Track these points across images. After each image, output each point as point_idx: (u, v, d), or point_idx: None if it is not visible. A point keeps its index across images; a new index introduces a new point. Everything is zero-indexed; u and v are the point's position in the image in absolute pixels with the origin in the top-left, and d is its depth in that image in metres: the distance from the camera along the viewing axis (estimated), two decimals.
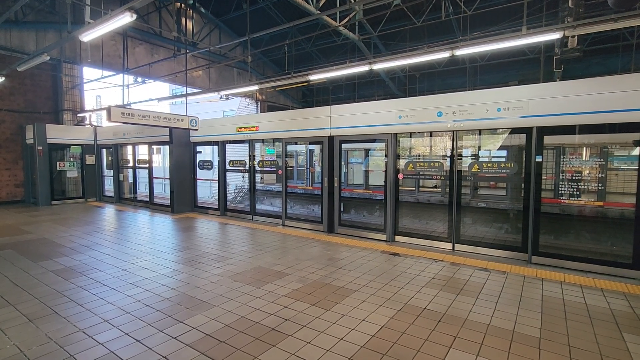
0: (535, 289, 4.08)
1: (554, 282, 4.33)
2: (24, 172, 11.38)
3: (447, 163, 5.81)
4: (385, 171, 6.37)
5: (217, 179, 9.38)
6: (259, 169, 8.73)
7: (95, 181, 12.20)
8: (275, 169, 8.24)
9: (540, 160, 4.95)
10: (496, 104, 5.21)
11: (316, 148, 10.27)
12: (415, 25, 11.44)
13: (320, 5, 10.36)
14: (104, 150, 12.32)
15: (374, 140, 6.90)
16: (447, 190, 5.92)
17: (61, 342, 2.92)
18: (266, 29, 10.01)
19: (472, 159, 5.94)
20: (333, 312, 3.47)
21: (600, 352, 2.80)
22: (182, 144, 9.67)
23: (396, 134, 6.24)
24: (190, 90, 14.36)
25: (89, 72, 13.59)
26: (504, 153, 6.83)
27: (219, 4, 14.58)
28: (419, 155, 7.32)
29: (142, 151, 11.14)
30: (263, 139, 8.48)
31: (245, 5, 12.77)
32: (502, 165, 5.44)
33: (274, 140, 8.31)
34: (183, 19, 14.41)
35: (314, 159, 12.41)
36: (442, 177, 5.93)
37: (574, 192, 4.83)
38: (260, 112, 18.42)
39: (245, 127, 8.54)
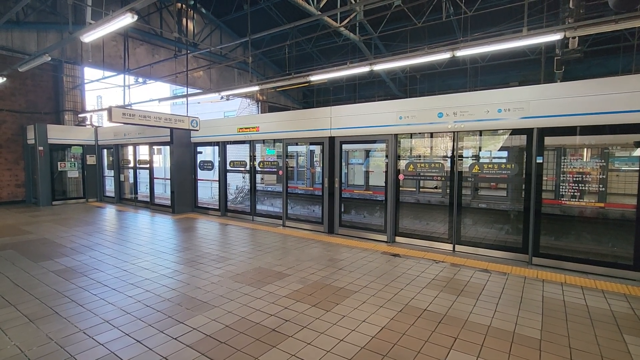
0: (536, 290, 4.08)
1: (554, 283, 4.32)
2: (25, 173, 11.40)
3: (447, 164, 5.80)
4: (386, 172, 6.37)
5: (217, 179, 9.39)
6: (259, 169, 8.74)
7: (96, 181, 12.21)
8: (275, 170, 8.24)
9: (540, 161, 4.95)
10: (497, 105, 5.21)
11: (317, 149, 10.28)
12: (416, 26, 11.44)
13: (321, 6, 10.38)
14: (105, 150, 12.34)
15: (374, 141, 6.90)
16: (448, 191, 5.92)
17: (62, 342, 2.93)
18: (267, 29, 10.02)
19: (472, 159, 5.94)
20: (333, 313, 3.47)
21: (601, 353, 2.79)
22: (182, 145, 9.68)
23: (397, 134, 6.24)
24: (191, 90, 14.38)
25: (90, 73, 13.64)
26: (504, 154, 6.83)
27: (219, 4, 14.59)
28: (420, 156, 7.32)
29: (143, 151, 11.16)
30: (264, 140, 8.49)
31: (246, 6, 12.79)
32: (503, 166, 5.44)
33: (275, 140, 8.31)
34: (184, 20, 14.44)
35: (315, 159, 12.42)
36: (443, 178, 5.93)
37: (575, 193, 4.82)
38: (261, 112, 18.43)
39: (246, 128, 8.55)
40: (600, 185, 4.74)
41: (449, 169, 5.76)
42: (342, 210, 7.19)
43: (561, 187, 4.94)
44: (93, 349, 2.82)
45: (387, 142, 6.32)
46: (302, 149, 12.91)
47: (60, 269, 4.84)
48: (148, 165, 10.75)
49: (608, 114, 4.45)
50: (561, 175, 4.94)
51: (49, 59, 8.08)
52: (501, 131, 5.51)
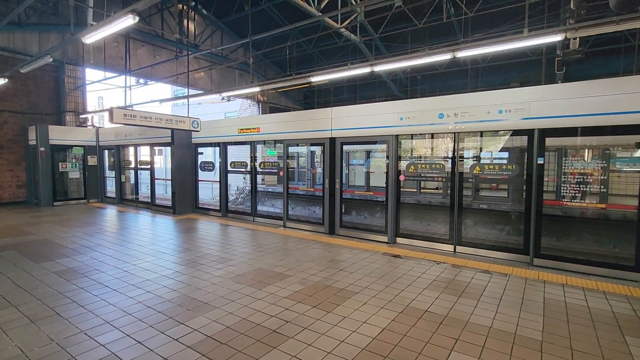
0: (537, 292, 4.07)
1: (556, 284, 4.31)
2: (27, 173, 11.43)
3: (448, 165, 5.80)
4: (387, 173, 6.37)
5: (218, 180, 9.39)
6: (260, 170, 8.74)
7: (97, 182, 12.23)
8: (276, 171, 8.24)
9: (542, 162, 4.95)
10: (498, 106, 5.21)
11: (317, 149, 10.28)
12: (417, 26, 11.44)
13: (322, 7, 10.39)
14: (106, 151, 12.36)
15: (375, 142, 6.90)
16: (449, 192, 5.91)
17: (63, 343, 2.93)
18: (268, 30, 10.03)
19: (473, 160, 5.93)
20: (334, 314, 3.47)
21: (602, 355, 2.79)
22: (183, 145, 9.69)
23: (397, 135, 6.24)
24: (192, 91, 14.40)
25: (91, 74, 13.65)
26: (505, 155, 6.82)
27: (220, 5, 14.62)
28: (421, 157, 7.32)
29: (144, 152, 11.18)
30: (264, 141, 8.50)
31: (247, 7, 12.80)
32: (504, 167, 5.44)
33: (276, 141, 8.32)
34: (185, 21, 14.47)
35: (315, 160, 12.42)
36: (444, 179, 5.93)
37: (576, 194, 4.81)
38: (262, 113, 18.45)
39: (246, 129, 8.56)
40: (602, 186, 4.74)
41: (450, 170, 5.76)
42: (343, 211, 7.19)
43: (562, 188, 4.93)
44: (94, 350, 2.82)
45: (388, 143, 6.32)
46: (302, 149, 12.92)
47: (62, 269, 4.85)
48: (149, 166, 10.76)
49: (609, 115, 4.45)
50: (562, 176, 4.93)
51: (51, 60, 8.10)
52: (502, 132, 5.51)
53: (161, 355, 2.74)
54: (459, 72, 15.84)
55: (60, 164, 11.35)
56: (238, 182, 11.74)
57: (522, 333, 3.11)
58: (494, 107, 5.24)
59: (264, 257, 5.48)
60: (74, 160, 11.76)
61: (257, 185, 8.85)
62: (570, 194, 4.85)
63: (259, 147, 8.97)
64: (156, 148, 10.72)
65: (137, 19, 4.94)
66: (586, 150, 5.33)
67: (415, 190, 10.00)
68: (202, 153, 10.12)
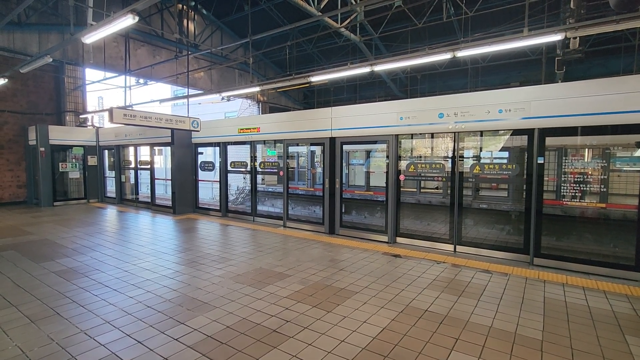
0: (538, 291, 4.07)
1: (556, 284, 4.31)
2: (27, 173, 11.43)
3: (448, 164, 5.80)
4: (387, 172, 6.37)
5: (218, 180, 9.39)
6: (260, 170, 8.74)
7: (97, 182, 12.23)
8: (276, 170, 8.24)
9: (542, 161, 4.94)
10: (497, 106, 5.21)
11: (317, 149, 10.28)
12: (417, 26, 11.44)
13: (322, 6, 10.39)
14: (106, 151, 12.36)
15: (375, 142, 6.90)
16: (449, 191, 5.91)
17: (63, 343, 2.93)
18: (267, 30, 10.03)
19: (473, 160, 5.93)
20: (334, 314, 3.47)
21: (602, 354, 2.79)
22: (183, 145, 9.69)
23: (397, 135, 6.24)
24: (192, 91, 14.41)
25: (91, 74, 13.66)
26: (505, 154, 6.82)
27: (220, 5, 14.62)
28: (421, 157, 7.32)
29: (144, 152, 11.18)
30: (264, 140, 8.50)
31: (247, 7, 12.81)
32: (504, 166, 5.43)
33: (276, 141, 8.32)
34: (185, 21, 14.47)
35: (315, 160, 12.42)
36: (444, 179, 5.93)
37: (576, 194, 4.81)
38: (262, 113, 18.45)
39: (246, 129, 8.56)
40: (602, 186, 4.74)
41: (450, 170, 5.76)
42: (343, 210, 7.19)
43: (562, 187, 4.93)
44: (94, 350, 2.82)
45: (388, 142, 6.31)
46: (302, 149, 12.91)
47: (62, 269, 4.85)
48: (149, 166, 10.76)
49: (609, 114, 4.45)
50: (562, 176, 4.93)
51: (51, 60, 8.11)
52: (502, 132, 5.51)
53: (161, 355, 2.74)
54: (459, 71, 15.84)
55: (60, 164, 11.35)
56: (238, 182, 11.74)
57: (522, 332, 3.11)
58: (494, 107, 5.23)
59: (264, 256, 5.48)
60: (74, 160, 11.76)
61: (257, 185, 8.85)
62: (570, 194, 4.85)
63: (259, 147, 8.97)
64: (156, 148, 10.72)
65: (136, 18, 4.94)
66: (586, 149, 5.33)
67: (415, 190, 9.99)
68: (202, 153, 10.12)
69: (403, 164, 6.32)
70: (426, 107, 5.89)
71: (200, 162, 9.89)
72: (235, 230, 7.57)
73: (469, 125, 5.47)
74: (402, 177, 6.28)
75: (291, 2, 9.89)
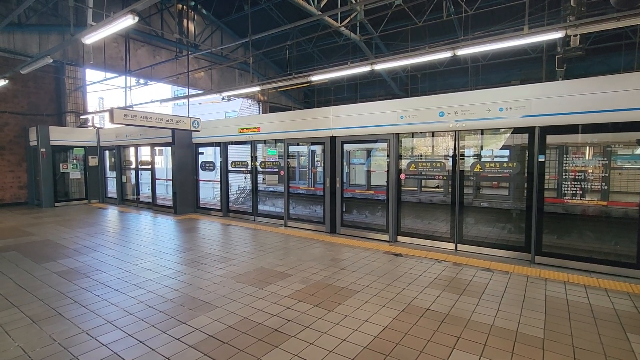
0: (539, 289, 4.07)
1: (557, 282, 4.31)
2: (28, 174, 11.45)
3: (449, 163, 5.79)
4: (388, 171, 6.37)
5: (219, 180, 9.40)
6: (261, 169, 8.74)
7: (98, 183, 12.25)
8: (277, 170, 8.25)
9: (542, 159, 4.94)
10: (498, 104, 5.20)
11: (318, 148, 10.28)
12: (417, 25, 11.42)
13: (322, 6, 10.38)
14: (107, 151, 12.37)
15: (376, 141, 6.89)
16: (450, 190, 5.91)
17: (65, 343, 2.94)
18: (268, 30, 10.03)
19: (474, 158, 5.93)
20: (336, 313, 3.47)
21: (604, 352, 2.78)
22: (184, 145, 9.70)
23: (398, 134, 6.24)
24: (192, 91, 14.40)
25: (91, 74, 13.66)
26: (506, 153, 6.81)
27: (220, 5, 14.61)
28: (421, 156, 7.31)
29: (145, 152, 11.19)
30: (265, 140, 8.50)
31: (247, 7, 12.80)
32: (505, 165, 5.43)
33: (276, 141, 8.32)
34: (185, 21, 14.47)
35: (316, 159, 12.42)
36: (445, 177, 5.92)
37: (577, 192, 4.80)
38: (262, 113, 18.45)
39: (247, 128, 8.56)
40: (603, 184, 4.72)
41: (451, 168, 5.75)
42: (344, 210, 7.19)
43: (563, 185, 4.92)
44: (96, 350, 2.83)
45: (389, 141, 6.31)
46: (303, 149, 12.92)
47: (63, 270, 4.86)
48: (150, 166, 10.77)
49: (610, 112, 4.43)
50: (563, 174, 4.93)
51: (51, 60, 8.12)
52: (503, 130, 5.50)
53: (163, 355, 2.75)
54: (460, 70, 15.82)
55: (61, 164, 11.37)
56: (239, 182, 11.74)
57: (523, 331, 3.11)
58: (495, 105, 5.22)
59: (265, 256, 5.48)
60: (75, 160, 11.78)
61: (258, 185, 8.85)
62: (571, 192, 4.84)
63: (260, 146, 8.97)
64: (157, 148, 10.73)
65: (136, 19, 4.94)
66: (587, 147, 5.32)
67: (416, 188, 9.99)
68: (202, 153, 10.12)
69: (404, 163, 6.32)
70: (427, 105, 5.88)
71: (201, 162, 9.89)
72: (236, 230, 7.58)
73: (470, 123, 5.46)
74: (402, 176, 6.28)
75: (291, 2, 9.89)
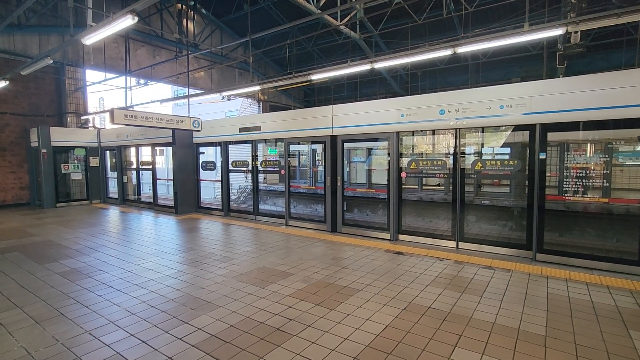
0: (541, 287, 4.07)
1: (559, 279, 4.31)
2: (29, 175, 11.47)
3: (450, 161, 5.79)
4: (388, 170, 6.37)
5: (220, 179, 9.40)
6: (261, 169, 8.75)
7: (99, 183, 12.27)
8: (278, 169, 8.25)
9: (543, 157, 4.93)
10: (499, 101, 5.19)
11: (318, 147, 10.27)
12: (417, 23, 11.40)
13: (321, 4, 10.35)
14: (108, 152, 12.39)
15: (376, 139, 6.89)
16: (450, 188, 5.90)
17: (68, 343, 2.95)
18: (267, 29, 10.01)
19: (475, 156, 5.92)
20: (337, 312, 3.47)
21: (606, 349, 2.78)
22: (184, 145, 9.71)
23: (398, 132, 6.23)
24: (192, 91, 14.39)
25: (91, 75, 13.67)
26: (507, 150, 6.80)
27: (219, 4, 14.60)
28: (422, 154, 7.30)
29: (145, 153, 11.20)
30: (265, 139, 8.50)
31: (246, 6, 12.78)
32: (506, 162, 5.42)
33: (277, 140, 8.32)
34: (184, 21, 14.45)
35: (317, 158, 12.42)
36: (445, 176, 5.92)
37: (579, 189, 4.80)
38: (262, 112, 18.45)
39: (247, 128, 8.56)
40: (604, 181, 4.72)
41: (452, 166, 5.75)
42: (345, 208, 7.19)
43: (564, 183, 4.91)
44: (99, 350, 2.84)
45: (389, 140, 6.31)
46: (304, 148, 12.92)
47: (65, 270, 4.87)
48: (151, 167, 10.78)
49: (611, 109, 4.42)
50: (564, 171, 4.92)
51: (51, 61, 8.12)
52: (503, 127, 5.49)
53: (166, 355, 2.75)
54: (460, 67, 15.78)
55: (62, 165, 11.38)
56: (240, 181, 11.76)
57: (525, 328, 3.11)
58: (495, 103, 5.21)
59: (266, 255, 5.49)
60: (76, 161, 11.80)
61: (259, 184, 8.86)
62: (572, 189, 4.84)
63: (260, 146, 8.98)
64: (157, 148, 10.74)
65: (136, 19, 4.94)
66: (588, 144, 5.30)
67: (417, 187, 9.99)
68: (203, 153, 10.13)
69: (404, 161, 6.31)
70: (427, 103, 5.87)
71: (202, 162, 9.90)
72: (237, 229, 7.59)
73: (470, 121, 5.45)
74: (403, 175, 6.27)
75: (290, 0, 9.86)
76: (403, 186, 6.40)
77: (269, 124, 8.16)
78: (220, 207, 9.42)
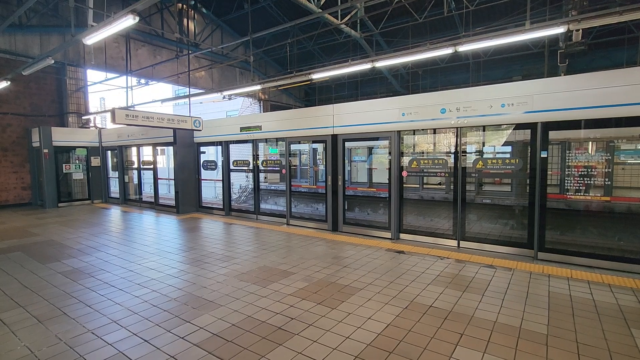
0: (542, 286, 4.06)
1: (560, 278, 4.30)
2: (31, 175, 11.50)
3: (451, 160, 5.78)
4: (389, 169, 6.36)
5: (221, 179, 9.42)
6: (262, 168, 8.75)
7: (100, 183, 12.30)
8: (278, 168, 8.26)
9: (545, 155, 4.92)
10: (500, 100, 5.18)
11: (319, 147, 10.28)
12: (417, 21, 11.38)
13: (322, 3, 10.34)
14: (109, 152, 12.41)
15: (377, 138, 6.89)
16: (452, 187, 5.90)
17: (71, 342, 2.96)
18: (268, 28, 10.01)
19: (476, 155, 5.91)
20: (339, 311, 3.48)
21: (608, 348, 2.78)
22: (186, 145, 9.72)
23: (399, 131, 6.23)
24: (193, 90, 14.39)
25: (92, 75, 13.70)
26: (508, 149, 6.79)
27: (220, 4, 14.59)
28: (423, 153, 7.30)
29: (147, 152, 11.22)
30: (266, 139, 8.50)
31: (247, 5, 12.77)
32: (507, 161, 5.41)
33: (277, 139, 8.32)
34: (185, 20, 14.45)
35: (318, 157, 12.42)
36: (447, 174, 5.91)
37: (580, 188, 4.79)
38: (263, 111, 18.45)
39: (248, 127, 8.57)
40: (606, 179, 4.71)
41: (453, 165, 5.74)
42: (346, 208, 7.19)
43: (566, 181, 4.91)
44: (102, 349, 2.85)
45: (390, 139, 6.30)
46: (304, 147, 12.92)
47: (68, 270, 4.89)
48: (152, 166, 10.80)
49: (613, 107, 4.41)
50: (566, 170, 4.91)
51: (52, 62, 8.12)
52: (505, 126, 5.48)
53: (168, 354, 2.76)
54: (461, 66, 15.75)
55: (63, 165, 11.41)
56: (241, 181, 11.77)
57: (527, 327, 3.11)
58: (496, 101, 5.21)
59: (268, 254, 5.50)
60: (77, 161, 11.83)
61: (260, 184, 8.86)
62: (574, 187, 4.83)
63: (261, 145, 8.98)
64: (159, 148, 10.75)
65: (137, 19, 4.94)
66: (590, 143, 5.29)
67: (418, 186, 9.99)
68: (204, 152, 10.14)
69: (405, 160, 6.31)
70: (428, 102, 5.86)
71: (203, 162, 9.92)
72: (238, 228, 7.60)
73: (471, 120, 5.44)
74: (404, 173, 6.27)
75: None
76: (404, 185, 6.40)
77: (269, 123, 8.16)
78: (222, 207, 9.44)
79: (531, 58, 14.13)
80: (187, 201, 9.80)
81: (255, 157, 8.62)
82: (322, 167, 8.06)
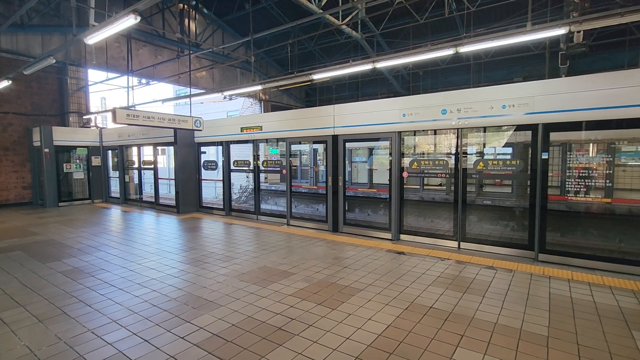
0: (543, 287, 4.06)
1: (561, 280, 4.30)
2: (32, 174, 11.50)
3: (452, 161, 5.78)
4: (390, 170, 6.36)
5: (221, 179, 9.42)
6: (263, 168, 8.75)
7: (101, 182, 12.31)
8: (279, 169, 8.26)
9: (546, 157, 4.91)
10: (501, 101, 5.18)
11: (320, 147, 10.27)
12: (418, 22, 11.38)
13: (323, 4, 10.35)
14: (110, 151, 12.42)
15: (378, 139, 6.89)
16: (452, 188, 5.89)
17: (70, 342, 2.96)
18: (269, 28, 10.02)
19: (477, 156, 5.90)
20: (339, 311, 3.47)
21: (609, 350, 2.78)
22: (186, 145, 9.72)
23: (400, 132, 6.23)
24: (194, 90, 14.41)
25: (93, 75, 13.76)
26: (509, 150, 6.78)
27: (221, 4, 14.61)
28: (424, 154, 7.29)
29: (147, 152, 11.23)
30: (267, 139, 8.50)
31: (248, 6, 12.78)
32: (508, 162, 5.40)
33: (278, 140, 8.32)
34: (186, 20, 14.47)
35: (318, 158, 12.42)
36: (447, 175, 5.91)
37: (581, 189, 4.78)
38: (264, 111, 18.45)
39: (249, 127, 8.57)
40: (607, 181, 4.70)
41: (453, 166, 5.74)
42: (346, 208, 7.19)
43: (567, 183, 4.90)
44: (101, 349, 2.85)
45: (391, 139, 6.30)
46: (305, 147, 12.91)
47: (68, 269, 4.89)
48: (152, 166, 10.81)
49: (614, 109, 4.40)
50: (567, 171, 4.90)
51: (54, 61, 8.13)
52: (505, 127, 5.47)
53: (168, 353, 2.76)
54: (462, 67, 15.75)
55: (64, 164, 11.42)
56: (241, 181, 11.77)
57: (527, 329, 3.10)
58: (497, 103, 5.20)
59: (268, 255, 5.49)
60: (78, 161, 11.83)
61: (260, 184, 8.86)
62: (575, 189, 4.82)
63: (262, 145, 8.99)
64: (159, 148, 10.75)
65: (138, 19, 4.95)
66: (591, 144, 5.28)
67: (418, 187, 9.98)
68: (205, 152, 10.14)
69: (406, 161, 6.31)
70: (429, 103, 5.86)
71: (203, 162, 9.92)
72: (239, 228, 7.59)
73: (472, 121, 5.44)
74: (405, 174, 6.27)
75: (292, 0, 9.86)
76: (404, 186, 6.39)
77: (270, 123, 8.16)
78: (222, 207, 9.44)
79: (532, 59, 14.12)
80: (187, 201, 9.81)
81: (256, 157, 8.62)
82: (322, 168, 8.06)
